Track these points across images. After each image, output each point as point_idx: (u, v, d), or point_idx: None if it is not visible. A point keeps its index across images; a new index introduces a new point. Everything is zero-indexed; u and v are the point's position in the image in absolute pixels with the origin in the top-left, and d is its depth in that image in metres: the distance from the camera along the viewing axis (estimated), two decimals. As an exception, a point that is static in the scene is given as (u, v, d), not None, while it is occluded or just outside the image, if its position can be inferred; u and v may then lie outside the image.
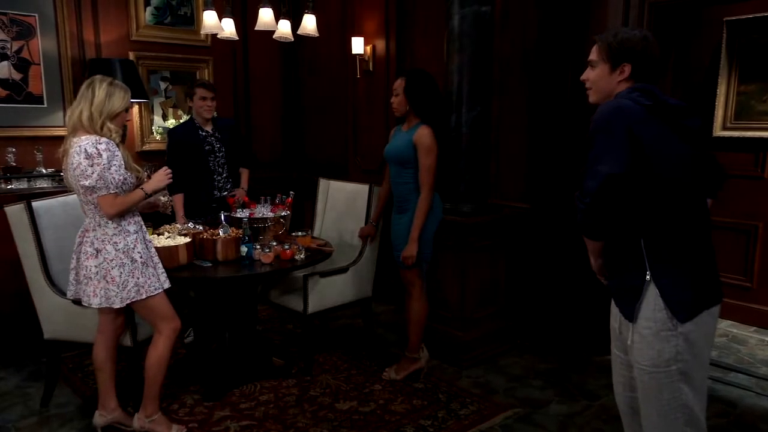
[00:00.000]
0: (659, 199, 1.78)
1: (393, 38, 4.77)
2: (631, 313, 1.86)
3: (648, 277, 1.81)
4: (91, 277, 2.69)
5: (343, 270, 3.74)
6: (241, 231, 3.32)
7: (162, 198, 3.01)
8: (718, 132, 4.58)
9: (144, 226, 2.86)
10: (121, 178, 2.65)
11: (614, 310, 2.05)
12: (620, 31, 1.94)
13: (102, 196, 2.61)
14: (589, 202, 1.77)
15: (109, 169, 2.59)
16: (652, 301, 1.82)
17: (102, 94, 2.66)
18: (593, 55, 1.95)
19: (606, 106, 1.82)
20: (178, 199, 3.98)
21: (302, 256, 3.34)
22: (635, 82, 1.88)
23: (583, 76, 1.99)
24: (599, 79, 1.94)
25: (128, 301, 2.71)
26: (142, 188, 2.77)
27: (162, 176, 2.85)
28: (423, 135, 3.23)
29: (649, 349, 1.85)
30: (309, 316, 3.61)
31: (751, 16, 4.29)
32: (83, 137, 2.62)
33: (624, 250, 1.87)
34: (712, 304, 1.87)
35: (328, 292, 3.67)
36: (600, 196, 1.75)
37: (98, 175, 2.56)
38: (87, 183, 2.57)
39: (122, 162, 2.67)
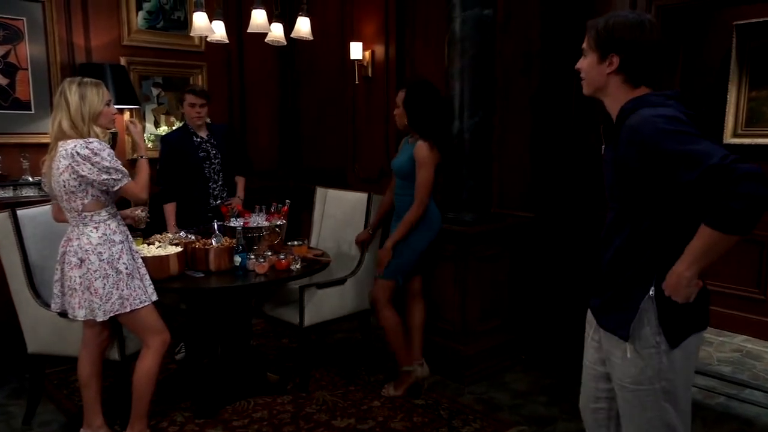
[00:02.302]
0: (688, 211, 1.70)
1: (393, 43, 4.76)
2: (626, 332, 1.78)
3: (652, 292, 1.74)
4: (75, 288, 2.65)
5: (340, 281, 3.70)
6: (234, 240, 3.28)
7: (140, 213, 2.97)
8: (729, 139, 4.55)
9: (130, 236, 2.83)
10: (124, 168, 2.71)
11: (591, 320, 1.99)
12: (613, 16, 1.81)
13: (126, 185, 2.67)
14: (763, 181, 1.48)
15: (114, 160, 2.63)
16: (644, 318, 1.75)
17: (75, 98, 2.64)
18: (585, 43, 1.85)
19: (651, 115, 1.65)
20: (171, 208, 3.96)
21: (298, 266, 3.31)
22: (626, 76, 1.78)
23: (577, 65, 1.90)
24: (590, 69, 1.84)
25: (111, 314, 2.67)
26: (140, 156, 2.86)
27: (140, 132, 3.01)
28: (419, 149, 3.26)
29: (632, 367, 1.79)
30: (305, 330, 3.56)
31: (761, 19, 4.29)
32: (69, 141, 2.59)
33: (634, 261, 1.79)
34: (701, 328, 1.83)
35: (325, 305, 3.62)
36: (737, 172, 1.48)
37: (112, 168, 2.60)
38: (105, 177, 2.60)
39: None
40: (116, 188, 2.66)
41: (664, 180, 1.62)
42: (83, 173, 2.56)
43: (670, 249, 1.68)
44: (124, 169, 2.68)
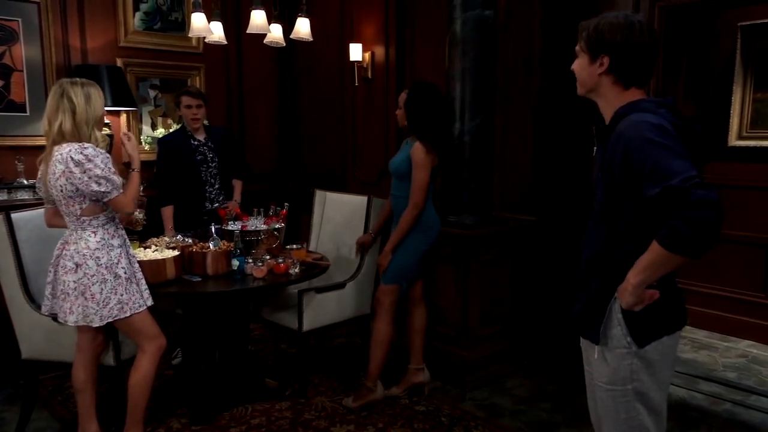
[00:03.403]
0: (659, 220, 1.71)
1: (393, 44, 4.75)
2: (596, 335, 1.81)
3: (617, 295, 1.75)
4: (68, 293, 2.63)
5: (340, 285, 3.68)
6: (232, 244, 3.27)
7: (137, 215, 2.95)
8: (734, 141, 4.56)
9: (128, 240, 2.82)
10: (120, 179, 2.65)
11: None
12: (604, 17, 1.83)
13: (114, 198, 2.61)
14: (717, 210, 1.51)
15: (109, 171, 2.58)
16: (614, 318, 1.78)
17: (81, 100, 2.61)
18: (578, 44, 1.88)
19: (638, 121, 1.66)
20: (168, 211, 3.94)
21: (297, 270, 3.29)
22: (616, 77, 1.79)
23: (572, 66, 1.92)
24: (581, 70, 1.87)
25: (110, 320, 2.65)
26: (133, 169, 2.79)
27: (135, 146, 2.89)
28: (416, 150, 3.25)
29: (605, 367, 1.82)
30: (304, 335, 3.55)
31: (767, 20, 4.27)
32: (64, 145, 2.58)
33: (607, 263, 1.80)
34: (674, 329, 1.83)
35: (324, 309, 3.61)
36: (697, 197, 1.51)
37: (103, 179, 2.55)
38: (96, 188, 2.55)
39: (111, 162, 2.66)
40: (105, 200, 2.62)
41: (634, 188, 1.65)
42: (73, 181, 2.53)
43: (641, 254, 1.69)
44: (116, 179, 2.61)
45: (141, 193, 2.93)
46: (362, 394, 3.46)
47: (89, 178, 2.53)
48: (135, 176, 2.79)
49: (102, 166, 2.56)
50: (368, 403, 3.43)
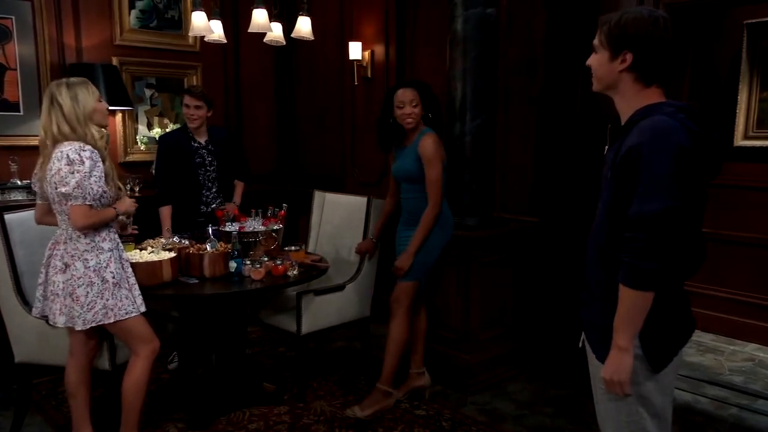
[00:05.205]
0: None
1: (393, 43, 4.76)
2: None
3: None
4: (57, 293, 2.63)
5: (339, 288, 3.68)
6: (230, 245, 3.27)
7: (123, 218, 2.90)
8: (739, 141, 4.55)
9: (120, 244, 2.80)
10: (100, 190, 2.60)
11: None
12: (627, 12, 1.79)
13: (76, 205, 2.55)
14: (647, 238, 1.59)
15: (89, 178, 2.55)
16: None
17: (67, 100, 2.62)
18: (596, 39, 1.83)
19: (651, 126, 1.65)
20: (166, 211, 3.93)
21: (295, 272, 3.29)
22: (638, 75, 1.75)
23: (588, 61, 1.88)
24: (599, 66, 1.82)
25: (93, 324, 2.64)
26: (114, 207, 2.73)
27: (132, 203, 2.85)
28: (426, 144, 3.22)
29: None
30: (303, 338, 3.55)
31: (772, 18, 4.28)
32: (66, 143, 2.59)
33: (608, 271, 1.75)
34: (687, 339, 1.82)
35: (323, 312, 3.61)
36: (659, 230, 1.59)
37: (77, 182, 2.52)
38: (63, 190, 2.53)
39: (103, 174, 2.63)
40: (63, 206, 2.59)
41: (629, 189, 1.66)
42: (62, 173, 2.52)
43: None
44: (91, 193, 2.56)
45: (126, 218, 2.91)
46: (375, 399, 3.39)
47: (65, 180, 2.52)
48: (112, 212, 2.71)
49: (86, 171, 2.54)
50: (381, 409, 3.37)
